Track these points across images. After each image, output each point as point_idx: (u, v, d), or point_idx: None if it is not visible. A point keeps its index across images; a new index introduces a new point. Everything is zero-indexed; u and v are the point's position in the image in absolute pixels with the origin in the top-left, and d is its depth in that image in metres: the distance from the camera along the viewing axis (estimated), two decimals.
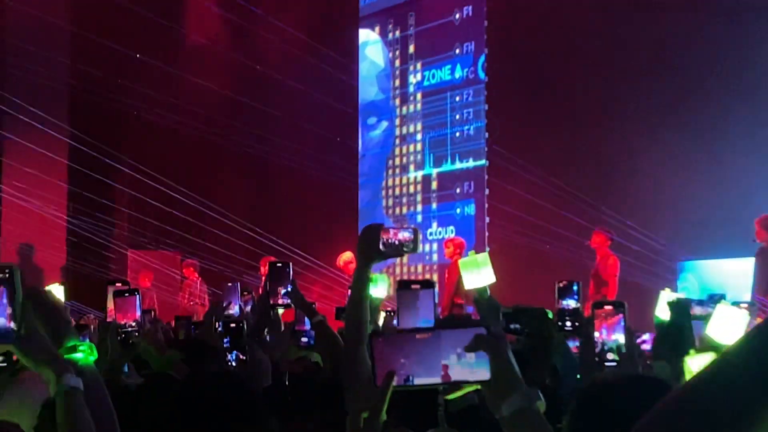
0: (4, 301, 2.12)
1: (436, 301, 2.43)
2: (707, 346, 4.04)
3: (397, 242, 3.00)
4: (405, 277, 15.79)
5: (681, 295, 4.98)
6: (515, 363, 1.70)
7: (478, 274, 4.59)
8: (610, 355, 3.00)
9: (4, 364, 2.13)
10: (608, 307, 3.04)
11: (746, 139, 11.22)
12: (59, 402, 2.14)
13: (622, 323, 3.02)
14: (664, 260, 11.77)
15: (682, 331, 4.03)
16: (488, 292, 4.12)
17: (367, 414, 1.79)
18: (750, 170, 11.12)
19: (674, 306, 4.26)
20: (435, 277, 15.30)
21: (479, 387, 1.70)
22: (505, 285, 13.96)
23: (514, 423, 1.65)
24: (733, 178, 11.27)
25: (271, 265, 4.49)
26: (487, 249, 14.75)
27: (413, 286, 2.40)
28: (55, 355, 2.19)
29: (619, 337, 3.01)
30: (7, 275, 2.12)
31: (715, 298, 4.98)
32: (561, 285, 3.92)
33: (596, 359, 3.00)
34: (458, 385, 1.71)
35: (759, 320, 4.81)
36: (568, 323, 3.85)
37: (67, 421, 2.14)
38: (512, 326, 4.14)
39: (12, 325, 2.11)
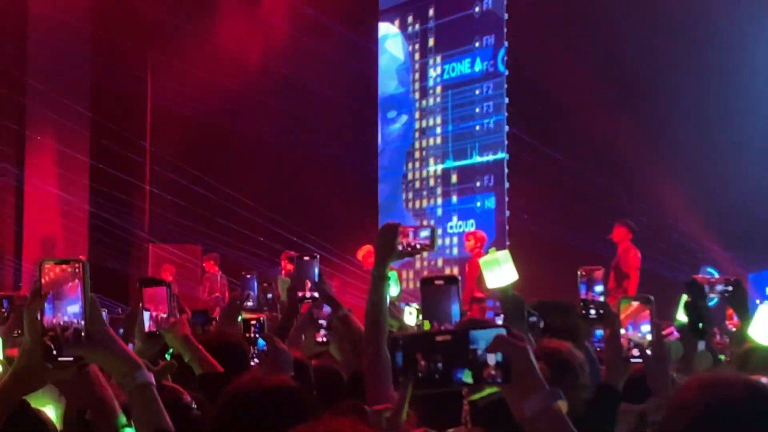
0: (79, 295, 2.09)
1: (460, 296, 2.42)
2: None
3: (414, 242, 3.01)
4: (425, 272, 15.79)
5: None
6: (536, 363, 1.69)
7: (500, 272, 4.58)
8: (635, 351, 2.99)
9: (71, 359, 2.10)
10: (635, 303, 3.03)
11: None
12: (135, 396, 2.13)
13: (649, 318, 3.00)
14: (687, 254, 11.70)
15: (698, 312, 4.03)
16: (511, 289, 4.10)
17: (389, 413, 1.79)
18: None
19: (690, 287, 4.28)
20: (456, 271, 15.30)
21: (500, 388, 1.69)
22: (527, 279, 13.93)
23: (535, 423, 1.66)
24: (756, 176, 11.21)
25: (298, 259, 4.48)
26: (507, 243, 14.73)
27: (437, 282, 2.38)
28: (128, 352, 2.17)
29: (646, 333, 2.99)
30: (77, 270, 2.08)
31: (732, 282, 4.96)
32: (583, 272, 3.90)
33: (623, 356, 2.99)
34: (480, 386, 1.70)
35: None
36: (593, 311, 3.83)
37: (145, 413, 2.13)
38: (530, 319, 4.13)
39: (82, 323, 2.07)
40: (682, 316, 4.84)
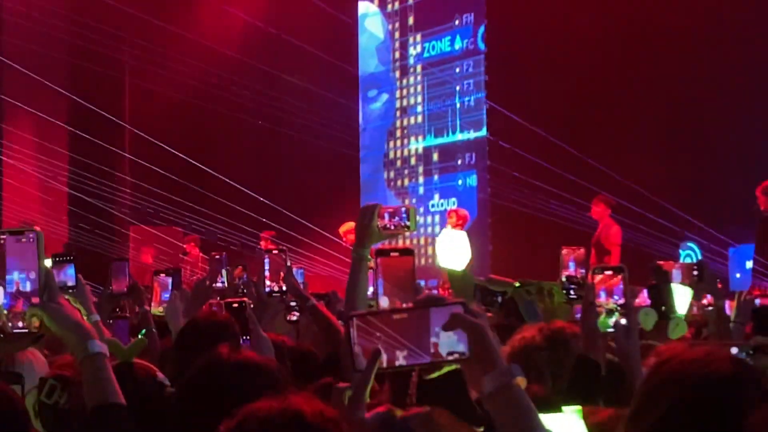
0: (33, 264, 2.08)
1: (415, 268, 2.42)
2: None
3: (392, 223, 3.02)
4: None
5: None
6: (494, 339, 1.69)
7: (453, 252, 4.62)
8: (611, 321, 3.00)
9: (25, 330, 2.10)
10: (608, 272, 3.04)
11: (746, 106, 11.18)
12: (85, 367, 2.12)
13: (621, 285, 3.02)
14: (670, 227, 11.75)
15: (662, 296, 4.16)
16: (467, 271, 4.12)
17: (350, 393, 1.79)
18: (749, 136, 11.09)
19: (654, 272, 4.46)
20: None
21: (459, 366, 1.68)
22: (509, 255, 14.05)
23: (494, 399, 1.64)
24: (736, 147, 11.26)
25: (267, 253, 4.50)
26: (489, 221, 14.77)
27: (393, 254, 2.38)
28: (80, 321, 2.15)
29: (618, 300, 3.01)
30: (31, 239, 2.08)
31: (697, 264, 5.18)
32: (564, 253, 3.92)
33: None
34: (438, 364, 1.68)
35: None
36: (573, 291, 3.85)
37: (95, 384, 2.11)
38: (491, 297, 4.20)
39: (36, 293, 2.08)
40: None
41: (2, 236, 2.09)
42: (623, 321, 2.99)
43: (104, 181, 15.06)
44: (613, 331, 2.99)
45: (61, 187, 14.85)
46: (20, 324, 2.09)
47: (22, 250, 2.08)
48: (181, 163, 15.05)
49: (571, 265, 3.87)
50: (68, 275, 3.77)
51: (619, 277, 3.01)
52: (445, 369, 1.69)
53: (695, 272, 4.76)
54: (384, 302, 2.31)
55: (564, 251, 3.91)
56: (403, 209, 3.10)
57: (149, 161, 15.05)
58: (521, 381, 1.66)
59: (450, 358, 1.67)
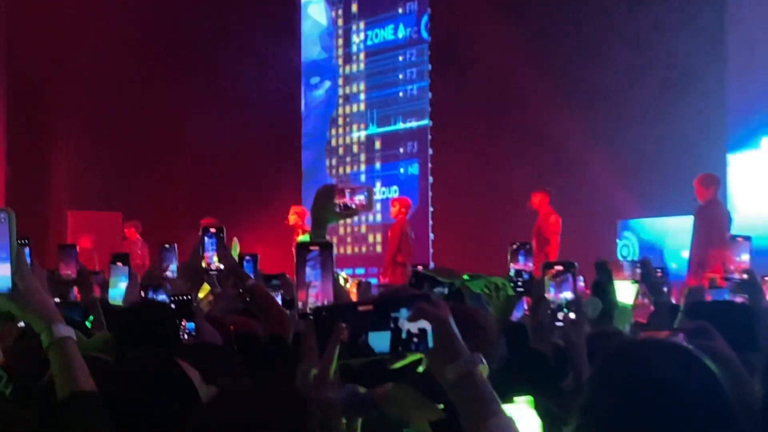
0: (5, 245, 2.02)
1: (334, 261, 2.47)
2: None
3: (350, 202, 3.02)
4: (349, 239, 15.85)
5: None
6: (456, 329, 1.72)
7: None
8: (560, 315, 3.07)
9: None
10: (558, 267, 3.10)
11: (682, 99, 11.35)
12: (53, 353, 2.04)
13: (570, 281, 3.08)
14: (604, 217, 11.92)
15: (605, 292, 4.29)
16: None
17: (316, 371, 1.80)
18: (688, 126, 11.26)
19: (597, 268, 4.61)
20: (378, 238, 15.37)
21: (423, 355, 1.71)
22: (451, 243, 14.12)
23: (458, 388, 1.68)
24: (673, 135, 11.42)
25: (204, 230, 4.47)
26: (431, 209, 14.84)
27: (312, 247, 2.43)
28: (46, 303, 2.09)
29: (568, 296, 3.07)
30: (2, 220, 2.02)
31: (640, 262, 5.32)
32: (514, 247, 3.95)
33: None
34: (402, 354, 1.72)
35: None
36: (521, 284, 3.90)
37: (63, 371, 2.03)
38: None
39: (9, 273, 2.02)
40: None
41: None
42: (572, 315, 3.06)
43: (40, 163, 14.82)
44: (563, 325, 3.05)
45: None
46: None
47: None
48: (121, 147, 14.87)
49: (521, 258, 3.91)
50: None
51: (569, 274, 3.07)
52: (409, 358, 1.72)
53: (638, 270, 4.92)
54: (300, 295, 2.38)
55: (514, 245, 3.95)
56: (364, 189, 3.09)
57: (86, 143, 14.85)
58: (483, 369, 1.69)
59: (413, 348, 1.71)
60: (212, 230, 4.44)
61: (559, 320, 3.07)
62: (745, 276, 4.61)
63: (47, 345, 2.05)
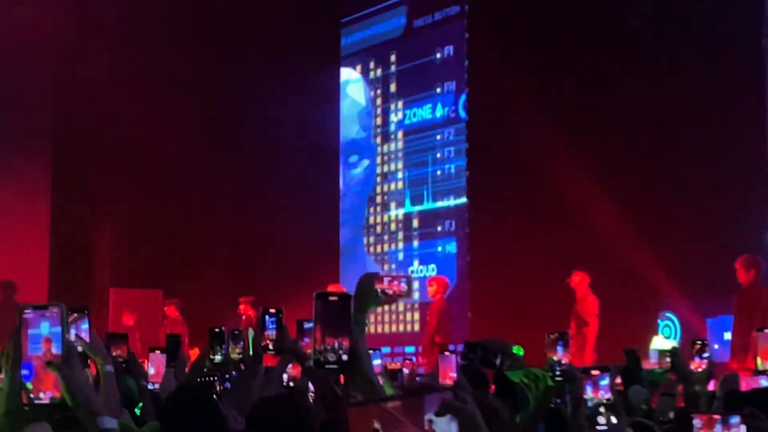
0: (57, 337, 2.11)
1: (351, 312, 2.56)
2: None
3: (393, 287, 3.11)
4: (387, 316, 15.84)
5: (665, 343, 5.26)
6: (483, 422, 1.77)
7: None
8: (600, 419, 3.10)
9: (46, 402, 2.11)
10: (595, 372, 3.15)
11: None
12: None
13: (608, 380, 3.12)
14: (647, 301, 11.86)
15: (633, 379, 4.31)
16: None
17: None
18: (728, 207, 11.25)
19: (626, 355, 4.68)
20: (416, 316, 15.35)
21: None
22: (489, 323, 14.06)
23: None
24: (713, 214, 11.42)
25: (264, 311, 4.54)
26: (469, 288, 14.82)
27: (331, 298, 2.52)
28: (93, 396, 2.18)
29: (605, 396, 3.11)
30: (55, 314, 2.12)
31: (669, 352, 5.31)
32: (552, 337, 3.97)
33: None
34: None
35: None
36: (559, 374, 3.91)
37: None
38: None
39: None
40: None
41: (27, 311, 2.13)
42: (613, 419, 3.09)
43: (84, 240, 15.06)
44: (605, 429, 3.07)
45: (42, 248, 14.77)
46: (41, 395, 2.12)
47: (48, 324, 2.12)
48: (162, 227, 15.08)
49: (559, 349, 3.93)
50: (82, 329, 3.79)
51: (606, 374, 3.11)
52: None
53: (668, 359, 4.94)
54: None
55: (552, 335, 3.97)
56: (403, 276, 3.19)
57: (128, 222, 15.09)
58: None
59: None
60: (272, 311, 4.52)
61: (601, 425, 3.09)
62: None
63: None
